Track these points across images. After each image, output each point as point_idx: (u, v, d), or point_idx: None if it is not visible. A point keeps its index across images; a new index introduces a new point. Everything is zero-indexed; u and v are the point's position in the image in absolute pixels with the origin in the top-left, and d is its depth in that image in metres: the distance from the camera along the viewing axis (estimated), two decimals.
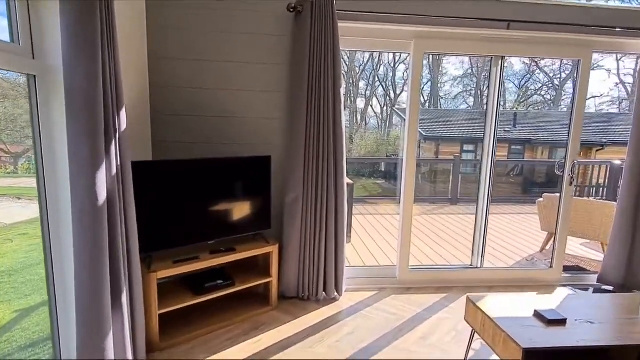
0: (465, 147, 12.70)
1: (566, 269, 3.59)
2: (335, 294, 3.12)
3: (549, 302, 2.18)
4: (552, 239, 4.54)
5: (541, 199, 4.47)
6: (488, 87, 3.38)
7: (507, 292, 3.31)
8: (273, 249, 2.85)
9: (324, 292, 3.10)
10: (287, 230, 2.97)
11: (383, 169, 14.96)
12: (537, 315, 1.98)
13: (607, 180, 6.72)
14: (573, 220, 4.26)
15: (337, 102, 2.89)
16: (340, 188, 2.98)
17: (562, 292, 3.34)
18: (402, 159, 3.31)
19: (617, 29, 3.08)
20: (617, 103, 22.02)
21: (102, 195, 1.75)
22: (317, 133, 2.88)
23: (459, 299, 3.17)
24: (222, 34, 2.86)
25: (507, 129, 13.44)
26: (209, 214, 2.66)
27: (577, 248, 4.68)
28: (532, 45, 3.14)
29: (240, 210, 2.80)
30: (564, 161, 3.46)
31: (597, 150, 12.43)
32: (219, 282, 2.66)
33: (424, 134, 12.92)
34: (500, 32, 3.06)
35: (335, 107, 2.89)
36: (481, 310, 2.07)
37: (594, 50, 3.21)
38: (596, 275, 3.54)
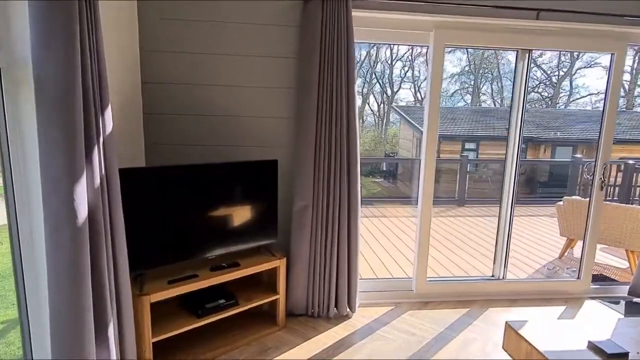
0: (467, 146, 12.44)
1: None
2: (348, 310, 2.84)
3: (601, 329, 1.90)
4: (572, 245, 4.28)
5: (561, 203, 4.20)
6: (513, 84, 3.09)
7: (532, 307, 3.04)
8: (280, 263, 2.55)
9: (335, 309, 2.81)
10: (295, 242, 2.67)
11: (384, 168, 14.68)
12: (594, 347, 1.70)
13: (619, 181, 6.49)
14: (581, 223, 4.00)
15: (350, 99, 2.59)
16: (354, 195, 2.68)
17: (592, 306, 3.07)
18: (419, 160, 3.02)
19: None
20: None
21: (83, 212, 1.44)
22: (329, 134, 2.59)
23: (482, 315, 2.89)
24: (224, 24, 2.54)
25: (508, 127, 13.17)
26: (209, 225, 2.36)
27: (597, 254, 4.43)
28: (562, 37, 2.85)
29: (244, 220, 2.50)
30: (593, 162, 3.19)
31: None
32: (221, 302, 2.36)
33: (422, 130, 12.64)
34: (528, 22, 2.77)
35: (349, 106, 2.59)
36: (526, 340, 1.79)
37: (630, 43, 2.93)
38: (626, 287, 3.28)
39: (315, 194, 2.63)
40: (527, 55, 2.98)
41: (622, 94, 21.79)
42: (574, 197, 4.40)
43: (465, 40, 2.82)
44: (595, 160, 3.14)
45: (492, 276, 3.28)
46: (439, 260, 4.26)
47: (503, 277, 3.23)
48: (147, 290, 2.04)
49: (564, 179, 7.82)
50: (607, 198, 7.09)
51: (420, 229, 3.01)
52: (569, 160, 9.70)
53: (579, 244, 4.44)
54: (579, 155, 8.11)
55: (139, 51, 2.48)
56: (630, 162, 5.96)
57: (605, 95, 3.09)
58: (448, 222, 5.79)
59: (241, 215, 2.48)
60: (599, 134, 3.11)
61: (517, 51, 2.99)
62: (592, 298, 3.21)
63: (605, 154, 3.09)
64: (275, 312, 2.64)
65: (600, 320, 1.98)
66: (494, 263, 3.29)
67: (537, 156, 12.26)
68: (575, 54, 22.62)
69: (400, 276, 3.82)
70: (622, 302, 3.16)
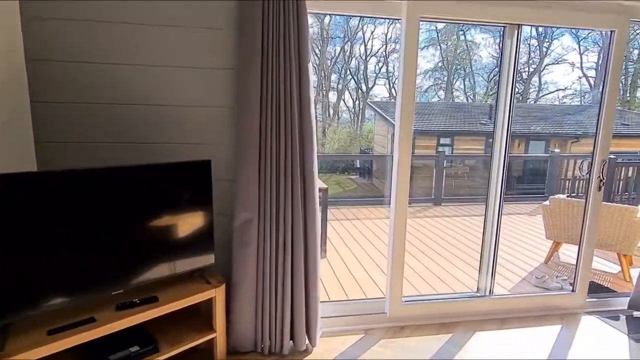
0: (442, 141, 12.10)
1: None
2: (307, 342, 2.29)
3: None
4: (558, 248, 3.88)
5: (547, 203, 3.77)
6: (500, 69, 2.60)
7: (525, 326, 2.57)
8: (216, 292, 1.98)
9: (291, 342, 2.26)
10: (237, 264, 2.10)
11: (358, 165, 14.21)
12: None
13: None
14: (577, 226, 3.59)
15: (303, 81, 2.02)
16: (311, 202, 2.13)
17: (590, 324, 2.63)
18: (391, 157, 2.49)
19: None
20: (580, 96, 22.20)
21: None
22: (277, 128, 2.02)
23: (469, 341, 2.40)
24: None
25: (482, 122, 12.94)
26: (118, 249, 1.75)
27: None
28: (557, 11, 2.37)
29: (167, 240, 1.90)
30: (589, 159, 2.74)
31: (572, 143, 12.11)
32: (134, 349, 1.77)
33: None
34: None
35: (301, 90, 2.03)
36: None
37: (633, 19, 2.48)
38: (624, 299, 2.86)
39: (262, 202, 2.06)
40: (515, 32, 2.49)
41: (588, 89, 22.15)
42: (559, 195, 3.99)
43: (443, 11, 2.29)
44: (592, 157, 2.69)
45: (478, 291, 2.80)
46: (416, 269, 3.76)
47: (490, 293, 2.75)
48: (10, 350, 1.42)
49: (541, 175, 7.50)
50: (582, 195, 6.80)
51: (393, 241, 2.48)
52: (546, 155, 9.45)
53: (565, 247, 4.04)
54: (557, 150, 7.83)
55: (20, 16, 1.84)
56: (612, 157, 5.63)
57: (604, 82, 2.63)
58: (425, 223, 5.31)
59: (163, 233, 1.88)
60: (597, 127, 2.66)
61: (504, 28, 2.50)
62: (589, 313, 2.78)
63: (603, 148, 2.65)
64: (213, 352, 2.06)
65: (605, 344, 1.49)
66: (479, 274, 2.81)
67: (511, 151, 12.05)
68: (545, 49, 22.85)
69: (374, 295, 3.28)
70: (623, 318, 2.74)
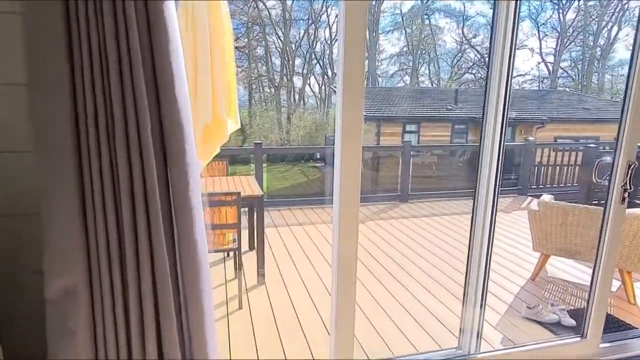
0: (408, 128, 11.38)
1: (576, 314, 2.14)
2: None
3: None
4: (547, 261, 3.15)
5: (535, 208, 3.02)
6: (491, 42, 1.74)
7: None
8: None
9: None
10: None
11: (319, 154, 13.35)
12: None
13: (575, 173, 5.59)
14: (573, 237, 2.88)
15: (162, 70, 1.08)
16: (187, 242, 1.20)
17: None
18: (335, 150, 1.59)
19: None
20: (538, 81, 22.20)
21: None
22: (106, 127, 1.07)
23: None
24: None
25: (449, 107, 12.30)
26: None
27: (571, 268, 3.34)
28: None
29: None
30: (608, 161, 1.96)
31: (537, 129, 11.68)
32: None
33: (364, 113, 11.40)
34: None
35: (159, 83, 1.09)
36: None
37: None
38: None
39: (94, 257, 1.12)
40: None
41: (546, 74, 22.16)
42: (546, 196, 3.26)
43: None
44: (614, 158, 1.91)
45: (459, 348, 1.99)
46: (380, 299, 2.92)
47: (477, 348, 1.95)
48: None
49: (513, 165, 6.87)
50: (563, 187, 6.22)
51: (336, 282, 1.60)
52: (520, 143, 8.82)
53: (553, 260, 3.33)
54: (531, 138, 7.22)
55: None
56: (592, 145, 4.99)
57: (632, 55, 1.83)
58: (390, 227, 4.48)
59: None
60: (621, 117, 1.86)
61: None
62: None
63: (629, 147, 1.86)
64: None
65: None
66: (463, 311, 2.00)
67: (478, 137, 11.47)
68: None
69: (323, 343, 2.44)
70: None
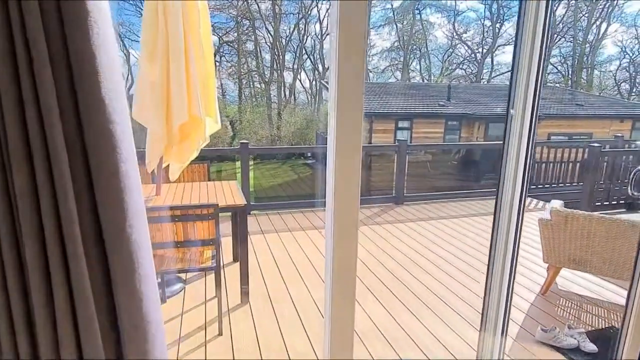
0: (401, 124, 11.09)
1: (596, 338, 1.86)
2: None
3: None
4: (558, 273, 2.88)
5: (547, 216, 2.73)
6: (518, 28, 1.42)
7: None
8: None
9: None
10: None
11: (312, 152, 13.05)
12: None
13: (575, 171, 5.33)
14: (589, 249, 2.61)
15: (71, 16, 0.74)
16: (130, 304, 0.87)
17: None
18: (327, 150, 1.25)
19: None
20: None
21: None
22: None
23: None
24: None
25: (441, 103, 12.05)
26: None
27: (584, 281, 3.08)
28: None
29: None
30: None
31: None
32: None
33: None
34: None
35: (79, 43, 0.74)
36: None
37: None
38: None
39: None
40: None
41: None
42: (556, 202, 2.99)
43: None
44: None
45: None
46: (378, 322, 2.62)
47: None
48: None
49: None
50: (561, 186, 5.99)
51: (330, 304, 1.28)
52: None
53: (563, 270, 3.06)
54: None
55: None
56: (596, 145, 4.74)
57: None
58: (385, 233, 4.15)
59: None
60: None
61: None
62: None
63: None
64: None
65: None
66: (481, 339, 1.71)
67: (471, 134, 11.26)
68: (497, 29, 22.42)
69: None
70: None
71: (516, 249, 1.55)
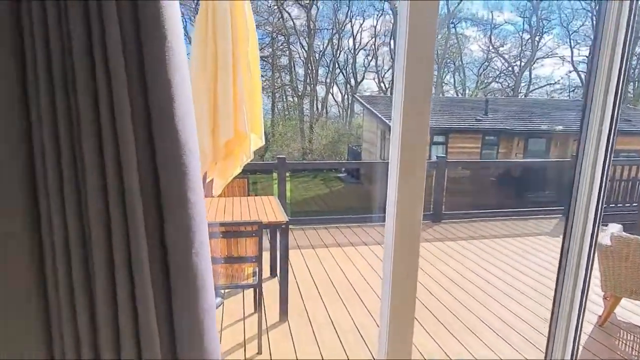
0: (435, 139, 10.88)
1: None
2: None
3: None
4: (617, 303, 2.66)
5: (607, 242, 2.55)
6: (596, 40, 1.34)
7: None
8: None
9: None
10: None
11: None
12: None
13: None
14: None
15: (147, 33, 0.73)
16: (191, 335, 0.85)
17: None
18: (389, 165, 1.19)
19: None
20: (569, 91, 21.23)
21: None
22: (75, 166, 0.73)
23: None
24: None
25: (478, 117, 11.74)
26: None
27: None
28: None
29: None
30: None
31: (574, 141, 10.98)
32: None
33: (389, 123, 10.98)
34: None
35: (156, 73, 0.74)
36: None
37: None
38: None
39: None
40: None
41: (579, 84, 21.17)
42: (615, 227, 2.78)
43: None
44: None
45: None
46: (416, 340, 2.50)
47: None
48: None
49: (553, 181, 6.29)
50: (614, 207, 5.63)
51: (387, 337, 1.21)
52: (567, 159, 8.13)
53: (624, 301, 2.84)
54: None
55: None
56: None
57: None
58: (425, 253, 3.91)
59: None
60: None
61: None
62: None
63: None
64: None
65: None
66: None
67: (510, 149, 10.86)
68: (537, 42, 21.79)
69: None
70: None
71: (588, 277, 1.42)
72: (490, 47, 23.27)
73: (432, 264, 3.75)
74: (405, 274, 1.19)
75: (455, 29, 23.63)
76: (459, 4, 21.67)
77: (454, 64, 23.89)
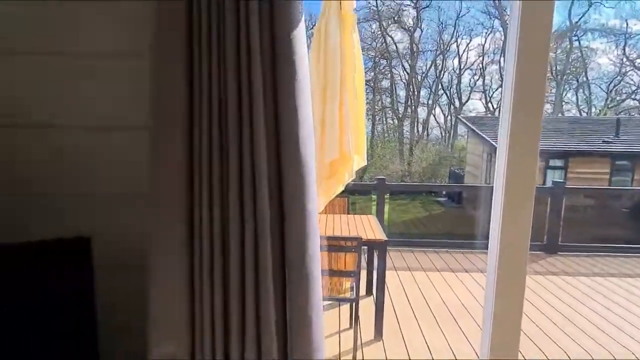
0: (552, 163, 9.86)
1: None
2: None
3: None
4: None
5: None
6: None
7: None
8: None
9: None
10: None
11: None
12: None
13: None
14: None
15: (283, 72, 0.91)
16: (302, 330, 0.98)
17: None
18: (494, 191, 1.20)
19: None
20: None
21: None
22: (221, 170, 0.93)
23: None
24: None
25: (606, 139, 10.33)
26: None
27: None
28: None
29: None
30: None
31: None
32: None
33: (495, 144, 10.28)
34: None
35: (286, 95, 0.92)
36: None
37: None
38: None
39: (199, 325, 0.98)
40: None
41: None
42: None
43: None
44: None
45: None
46: None
47: None
48: None
49: None
50: None
51: None
52: None
53: None
54: None
55: None
56: None
57: None
58: (537, 286, 3.56)
59: None
60: None
61: None
62: None
63: None
64: None
65: None
66: None
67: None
68: None
69: None
70: None
71: None
72: (624, 60, 20.34)
73: (543, 297, 3.40)
74: (508, 308, 1.17)
75: (579, 42, 21.26)
76: (584, 15, 19.50)
77: (577, 80, 21.41)
